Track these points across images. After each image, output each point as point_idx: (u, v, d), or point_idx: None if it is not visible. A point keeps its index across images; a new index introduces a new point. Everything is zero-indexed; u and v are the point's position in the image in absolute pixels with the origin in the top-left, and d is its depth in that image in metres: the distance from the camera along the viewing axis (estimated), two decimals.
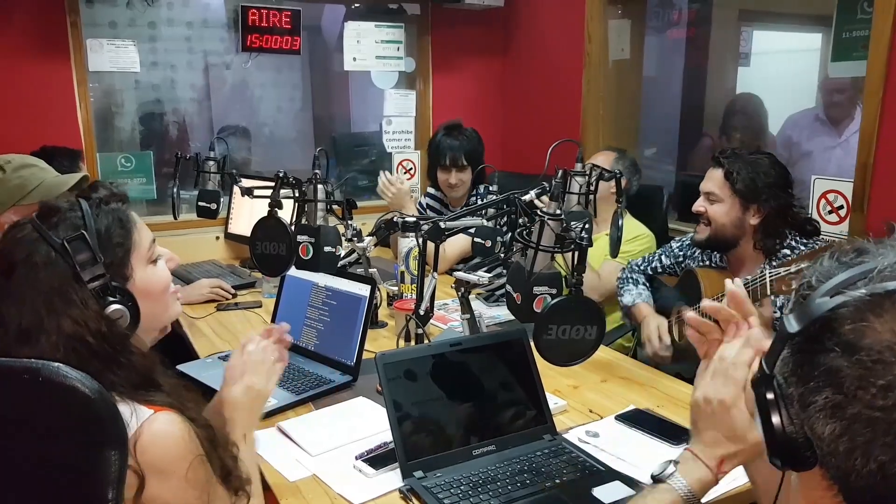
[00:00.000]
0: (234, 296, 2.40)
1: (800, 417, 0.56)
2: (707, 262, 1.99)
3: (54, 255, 0.94)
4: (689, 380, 1.71)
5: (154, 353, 1.06)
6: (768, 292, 1.47)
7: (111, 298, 0.96)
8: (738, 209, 1.79)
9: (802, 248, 1.77)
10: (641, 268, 2.16)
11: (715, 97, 3.55)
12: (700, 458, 0.90)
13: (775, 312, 1.70)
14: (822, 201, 2.08)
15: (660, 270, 2.13)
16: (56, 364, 0.84)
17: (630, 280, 2.14)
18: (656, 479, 0.91)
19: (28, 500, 0.86)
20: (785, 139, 3.04)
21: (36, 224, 0.97)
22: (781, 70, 3.60)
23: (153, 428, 0.91)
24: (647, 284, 2.12)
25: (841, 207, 2.04)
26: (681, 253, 2.08)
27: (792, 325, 0.56)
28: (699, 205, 1.85)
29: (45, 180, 1.68)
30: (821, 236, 1.83)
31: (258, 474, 1.18)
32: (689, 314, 0.91)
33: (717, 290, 1.77)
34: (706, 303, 0.91)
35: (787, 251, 1.78)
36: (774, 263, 1.70)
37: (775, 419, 0.57)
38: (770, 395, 0.58)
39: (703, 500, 1.17)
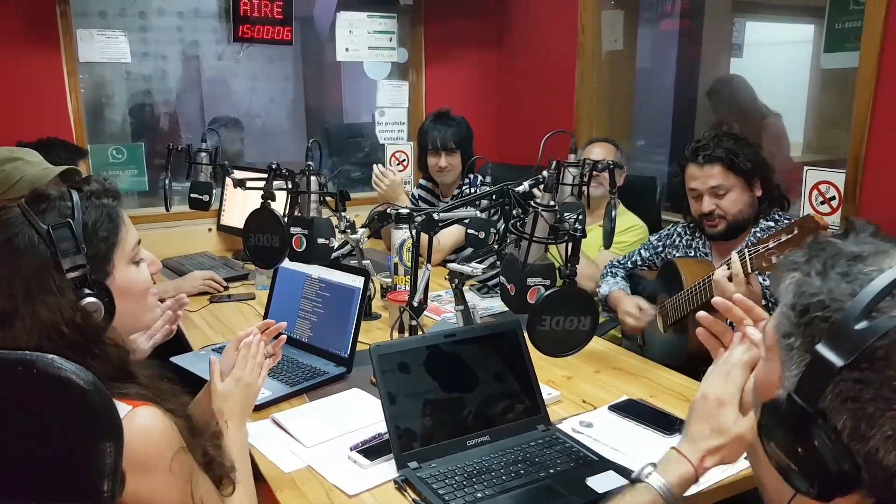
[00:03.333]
0: (227, 288, 2.40)
1: (848, 448, 0.55)
2: (688, 252, 2.00)
3: (37, 241, 0.93)
4: (678, 369, 1.73)
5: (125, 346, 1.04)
6: (749, 270, 1.49)
7: (87, 291, 0.95)
8: (747, 189, 1.82)
9: (787, 221, 1.81)
10: (622, 263, 2.19)
11: (708, 89, 3.55)
12: (683, 454, 0.91)
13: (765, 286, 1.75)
14: (815, 192, 2.09)
15: (640, 264, 2.15)
16: (51, 356, 0.83)
17: (609, 274, 2.17)
18: (634, 480, 0.92)
19: (23, 493, 0.86)
20: None
21: (23, 208, 0.96)
22: (774, 61, 3.60)
23: (134, 424, 0.90)
24: (626, 278, 2.16)
25: (833, 198, 2.05)
26: (659, 244, 2.10)
27: (835, 359, 0.53)
28: (709, 204, 1.82)
29: (28, 174, 1.67)
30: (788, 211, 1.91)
31: (249, 467, 1.19)
32: (702, 313, 0.93)
33: (696, 277, 1.79)
34: (718, 300, 0.93)
35: (771, 223, 1.82)
36: (753, 241, 1.73)
37: (823, 454, 0.55)
38: (815, 430, 0.55)
39: (692, 492, 1.19)
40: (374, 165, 2.67)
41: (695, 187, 1.86)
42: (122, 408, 0.92)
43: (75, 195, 0.99)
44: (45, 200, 0.98)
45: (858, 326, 0.52)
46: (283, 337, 1.33)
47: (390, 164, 3.25)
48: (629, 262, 2.18)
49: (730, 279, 1.51)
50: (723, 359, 0.91)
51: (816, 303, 0.57)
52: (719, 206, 1.82)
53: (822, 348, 0.54)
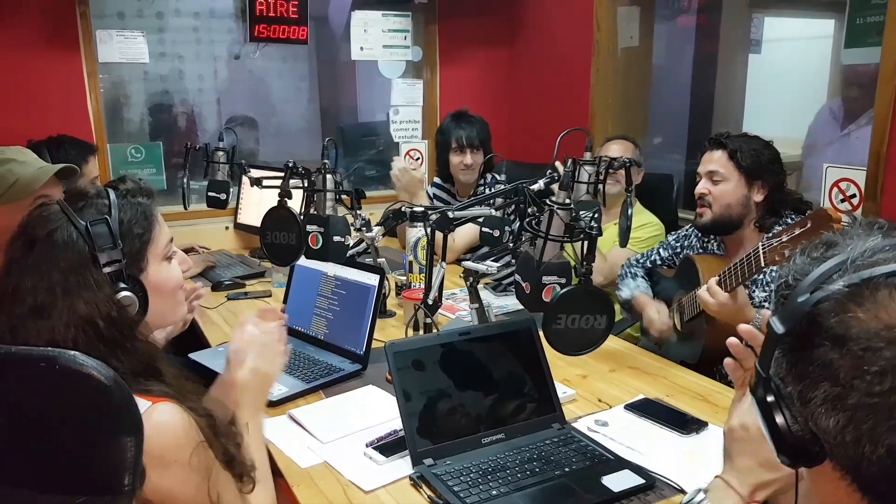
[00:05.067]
0: (209, 250, 2.40)
1: (802, 414, 0.57)
2: (703, 252, 1.99)
3: (76, 236, 0.96)
4: (694, 368, 1.72)
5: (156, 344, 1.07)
6: (763, 264, 1.48)
7: (123, 285, 0.98)
8: (744, 186, 1.80)
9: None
10: (640, 262, 2.18)
11: (725, 85, 3.52)
12: (732, 487, 0.90)
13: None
14: (835, 189, 2.06)
15: (658, 262, 2.14)
16: (73, 353, 0.85)
17: (628, 275, 2.16)
18: None
19: (45, 487, 0.87)
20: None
21: (62, 205, 0.99)
22: (793, 57, 3.56)
23: (153, 419, 0.92)
24: (646, 278, 2.14)
25: (853, 196, 2.02)
26: (677, 244, 2.10)
27: (778, 326, 0.58)
28: (703, 187, 1.84)
29: (22, 175, 1.58)
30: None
31: (266, 458, 1.19)
32: (733, 339, 0.92)
33: (713, 273, 1.78)
34: (743, 327, 0.92)
35: (782, 227, 1.79)
36: (767, 236, 1.71)
37: (779, 419, 0.58)
38: (770, 398, 0.59)
39: None
40: (395, 158, 2.66)
41: (699, 171, 1.89)
42: (143, 403, 0.93)
43: (112, 193, 1.02)
44: (84, 198, 1.01)
45: (801, 299, 0.57)
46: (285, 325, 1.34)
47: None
48: (648, 262, 2.16)
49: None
50: None
51: (783, 283, 0.62)
52: (711, 191, 1.82)
53: (772, 319, 0.59)
